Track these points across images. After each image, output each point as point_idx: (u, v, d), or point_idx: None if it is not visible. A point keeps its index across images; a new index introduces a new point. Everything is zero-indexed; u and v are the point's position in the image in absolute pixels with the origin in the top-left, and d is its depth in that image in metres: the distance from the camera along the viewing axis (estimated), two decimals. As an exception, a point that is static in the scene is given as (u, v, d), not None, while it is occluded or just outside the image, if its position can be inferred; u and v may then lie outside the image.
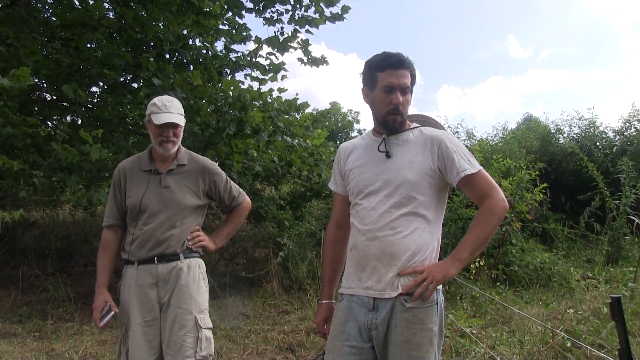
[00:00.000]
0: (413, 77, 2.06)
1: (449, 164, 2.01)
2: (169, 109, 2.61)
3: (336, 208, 2.33)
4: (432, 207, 2.04)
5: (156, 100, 2.65)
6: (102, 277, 2.65)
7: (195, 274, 2.66)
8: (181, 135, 2.71)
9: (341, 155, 2.29)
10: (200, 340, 2.56)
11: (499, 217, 1.99)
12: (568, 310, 4.59)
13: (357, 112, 35.04)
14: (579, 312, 4.55)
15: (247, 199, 2.98)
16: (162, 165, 2.72)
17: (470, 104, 73.18)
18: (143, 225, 2.62)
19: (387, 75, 2.03)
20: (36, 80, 6.33)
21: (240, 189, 2.96)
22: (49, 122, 7.61)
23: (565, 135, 11.42)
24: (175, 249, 2.62)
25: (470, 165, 2.00)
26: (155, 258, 2.59)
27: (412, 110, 2.18)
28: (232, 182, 2.90)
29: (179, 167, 2.72)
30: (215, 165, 2.85)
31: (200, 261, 2.75)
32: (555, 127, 11.71)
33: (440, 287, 2.04)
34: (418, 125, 2.17)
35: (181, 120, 2.66)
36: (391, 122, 2.07)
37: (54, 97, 6.52)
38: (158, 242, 2.59)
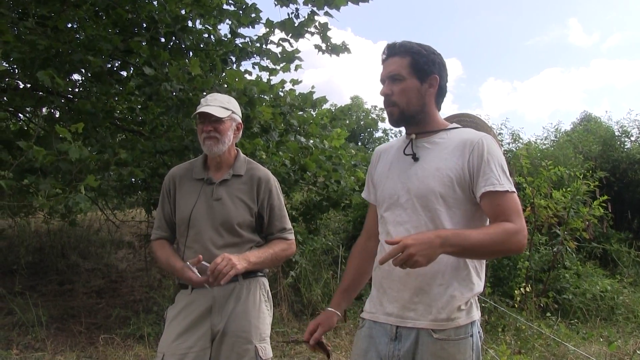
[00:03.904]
0: (414, 59, 2.08)
1: (477, 172, 2.01)
2: (209, 102, 2.66)
3: (369, 219, 2.39)
4: (465, 224, 2.03)
5: (203, 98, 2.73)
6: (177, 262, 2.66)
7: (255, 297, 2.72)
8: (228, 133, 2.70)
9: (374, 159, 2.36)
10: None
11: (510, 246, 1.93)
12: (638, 352, 4.53)
13: (382, 109, 34.36)
14: (653, 354, 4.48)
15: (294, 242, 2.92)
16: (216, 173, 2.77)
17: (520, 100, 72.05)
18: (193, 242, 2.68)
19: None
20: (6, 65, 6.34)
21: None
22: (20, 115, 7.65)
23: (633, 138, 11.33)
24: None
25: (499, 181, 1.97)
26: None
27: (452, 109, 2.19)
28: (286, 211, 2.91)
29: (235, 178, 2.75)
30: (275, 180, 2.87)
31: (263, 280, 2.80)
32: (620, 129, 11.63)
33: (477, 317, 2.05)
34: (458, 125, 2.18)
35: (221, 112, 2.64)
36: (388, 116, 2.14)
37: (28, 85, 6.54)
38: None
